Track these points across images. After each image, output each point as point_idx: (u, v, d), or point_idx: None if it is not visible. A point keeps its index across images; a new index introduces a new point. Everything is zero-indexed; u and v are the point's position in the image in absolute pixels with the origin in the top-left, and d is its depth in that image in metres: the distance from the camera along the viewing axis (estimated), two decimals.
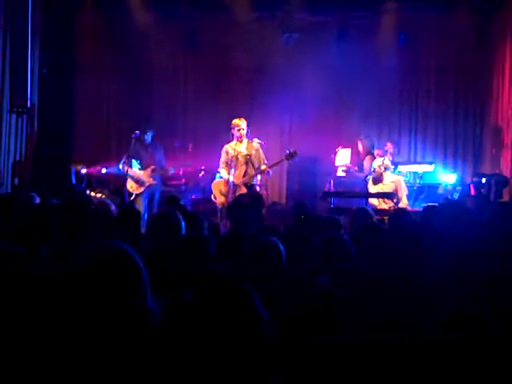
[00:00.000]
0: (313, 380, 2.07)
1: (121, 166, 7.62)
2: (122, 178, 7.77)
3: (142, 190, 7.58)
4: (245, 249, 3.16)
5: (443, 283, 2.81)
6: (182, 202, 5.69)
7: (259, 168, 7.17)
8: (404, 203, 7.22)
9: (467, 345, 2.17)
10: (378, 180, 7.39)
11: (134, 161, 7.66)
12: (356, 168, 8.93)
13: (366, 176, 7.75)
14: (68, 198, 6.47)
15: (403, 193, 7.38)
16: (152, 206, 7.62)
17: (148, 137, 7.77)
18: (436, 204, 5.14)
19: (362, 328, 2.36)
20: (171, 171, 7.95)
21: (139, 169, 7.66)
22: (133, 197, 7.53)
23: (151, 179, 7.64)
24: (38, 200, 4.59)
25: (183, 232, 3.67)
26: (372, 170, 7.56)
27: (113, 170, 8.24)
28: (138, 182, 7.58)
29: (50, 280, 2.12)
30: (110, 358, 1.84)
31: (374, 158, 9.07)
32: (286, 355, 2.02)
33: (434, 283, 2.80)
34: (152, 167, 7.64)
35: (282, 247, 3.12)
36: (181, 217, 3.69)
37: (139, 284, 2.01)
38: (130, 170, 7.61)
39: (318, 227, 4.22)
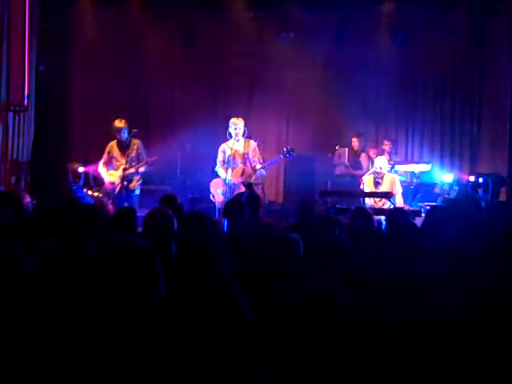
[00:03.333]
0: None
1: (99, 169, 7.55)
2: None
3: (116, 191, 7.42)
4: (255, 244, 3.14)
5: (441, 282, 2.81)
6: (178, 201, 5.64)
7: (254, 167, 7.18)
8: (399, 202, 7.20)
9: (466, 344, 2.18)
10: (377, 182, 7.31)
11: (113, 160, 7.50)
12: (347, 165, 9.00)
13: (363, 175, 7.70)
14: (67, 197, 6.46)
15: (398, 191, 7.35)
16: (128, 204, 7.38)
17: (124, 134, 7.38)
18: (440, 204, 5.15)
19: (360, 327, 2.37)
20: (142, 169, 7.37)
21: (114, 169, 7.44)
22: (112, 198, 7.41)
23: (123, 179, 7.28)
24: (28, 199, 4.55)
25: (175, 230, 3.67)
26: (374, 170, 7.39)
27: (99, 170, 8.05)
28: (109, 184, 7.46)
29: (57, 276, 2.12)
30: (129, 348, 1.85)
31: (369, 156, 9.09)
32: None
33: (431, 282, 2.80)
34: (122, 167, 7.25)
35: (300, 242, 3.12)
36: (173, 215, 3.69)
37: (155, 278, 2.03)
38: (103, 172, 7.49)
39: (314, 226, 4.23)
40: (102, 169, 7.53)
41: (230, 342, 1.85)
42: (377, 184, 7.31)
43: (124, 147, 7.38)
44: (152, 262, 2.02)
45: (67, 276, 2.38)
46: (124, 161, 7.26)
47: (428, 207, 7.11)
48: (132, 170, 7.30)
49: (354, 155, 9.23)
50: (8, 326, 1.98)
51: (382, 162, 7.40)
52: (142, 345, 1.86)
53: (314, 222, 4.39)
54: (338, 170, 9.18)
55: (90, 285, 2.00)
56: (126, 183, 7.28)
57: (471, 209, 4.82)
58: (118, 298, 1.95)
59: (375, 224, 4.88)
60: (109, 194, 7.41)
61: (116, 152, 7.43)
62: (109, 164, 7.48)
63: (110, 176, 7.42)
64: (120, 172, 7.30)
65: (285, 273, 2.87)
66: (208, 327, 1.86)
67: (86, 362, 1.83)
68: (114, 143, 7.50)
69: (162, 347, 1.85)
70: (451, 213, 4.23)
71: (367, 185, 7.35)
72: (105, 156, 7.54)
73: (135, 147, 7.38)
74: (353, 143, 9.36)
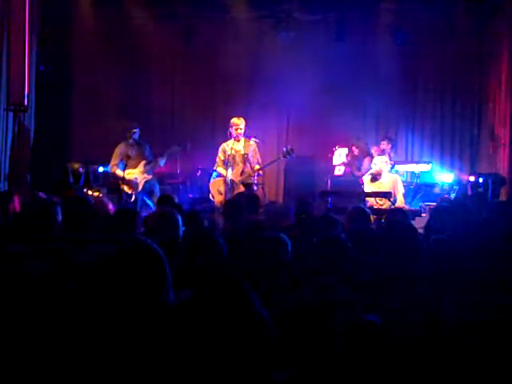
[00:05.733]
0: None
1: (111, 169, 7.70)
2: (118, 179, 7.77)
3: (139, 188, 7.58)
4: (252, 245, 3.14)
5: (440, 283, 2.81)
6: (176, 201, 5.65)
7: (254, 168, 7.19)
8: (400, 202, 7.21)
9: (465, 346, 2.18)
10: (375, 178, 7.35)
11: (127, 160, 7.63)
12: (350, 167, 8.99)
13: (363, 176, 7.73)
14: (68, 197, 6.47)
15: (399, 192, 7.37)
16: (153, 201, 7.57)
17: (136, 135, 7.78)
18: (442, 204, 5.14)
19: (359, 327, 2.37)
20: (162, 163, 7.82)
21: (127, 167, 7.59)
22: (133, 198, 7.51)
23: (145, 174, 7.66)
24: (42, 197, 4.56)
25: (181, 230, 3.68)
26: (372, 167, 7.48)
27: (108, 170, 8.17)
28: (132, 182, 7.54)
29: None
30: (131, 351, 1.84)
31: (372, 156, 9.09)
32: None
33: (430, 283, 2.81)
34: (143, 162, 7.67)
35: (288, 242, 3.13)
36: (179, 215, 3.70)
37: (164, 278, 2.01)
38: (119, 172, 7.60)
39: (316, 226, 4.23)
40: (118, 171, 7.62)
41: (241, 342, 1.84)
42: (374, 180, 7.35)
43: (137, 146, 7.76)
44: (161, 262, 2.02)
45: (70, 276, 2.38)
46: (141, 158, 7.68)
47: (428, 207, 7.14)
48: (152, 165, 7.72)
49: (355, 159, 9.24)
50: (10, 329, 1.97)
51: (376, 160, 7.53)
52: (150, 346, 1.86)
53: (311, 221, 4.39)
54: (338, 170, 9.18)
55: (94, 286, 1.99)
56: (150, 176, 7.72)
57: (475, 208, 4.83)
58: (126, 298, 1.94)
59: (374, 224, 4.88)
60: (126, 193, 7.51)
61: (130, 151, 7.67)
62: (120, 165, 7.60)
63: (131, 174, 7.56)
64: (141, 167, 7.63)
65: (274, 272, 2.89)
66: (219, 327, 1.85)
67: (90, 364, 1.83)
68: (123, 144, 7.71)
69: (170, 348, 1.85)
70: (453, 213, 4.22)
71: (366, 183, 7.41)
72: (116, 158, 7.66)
73: (147, 146, 7.86)
74: (353, 150, 9.36)
